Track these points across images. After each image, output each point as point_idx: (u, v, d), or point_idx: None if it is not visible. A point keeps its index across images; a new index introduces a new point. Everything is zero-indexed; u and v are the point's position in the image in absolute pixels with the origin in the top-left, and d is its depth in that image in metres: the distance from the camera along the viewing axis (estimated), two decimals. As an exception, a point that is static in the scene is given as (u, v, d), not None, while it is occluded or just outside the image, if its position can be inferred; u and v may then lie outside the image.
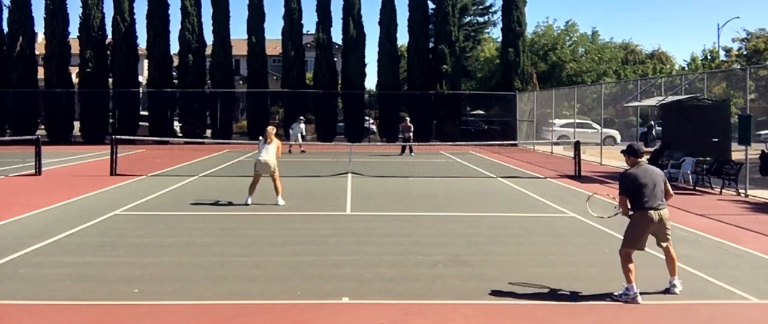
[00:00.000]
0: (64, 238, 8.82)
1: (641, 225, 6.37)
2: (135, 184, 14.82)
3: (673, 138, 17.99)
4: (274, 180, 12.03)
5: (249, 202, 11.85)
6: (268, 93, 34.53)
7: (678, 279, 6.52)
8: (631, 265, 6.29)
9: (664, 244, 6.51)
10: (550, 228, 9.98)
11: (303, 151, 24.69)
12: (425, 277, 6.94)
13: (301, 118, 26.43)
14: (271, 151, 11.97)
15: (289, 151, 24.57)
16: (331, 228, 9.77)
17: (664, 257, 6.65)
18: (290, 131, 25.56)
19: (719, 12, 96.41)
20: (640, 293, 6.21)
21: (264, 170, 11.94)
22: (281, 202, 11.94)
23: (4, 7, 32.43)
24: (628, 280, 6.26)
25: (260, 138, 12.48)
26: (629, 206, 6.39)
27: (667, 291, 6.48)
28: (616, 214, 6.81)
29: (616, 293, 6.39)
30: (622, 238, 6.56)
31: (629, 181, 6.37)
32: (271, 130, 12.37)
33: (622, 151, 6.82)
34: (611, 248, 8.28)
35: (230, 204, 11.95)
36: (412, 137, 25.23)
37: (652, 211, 6.29)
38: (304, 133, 26.01)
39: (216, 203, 12.10)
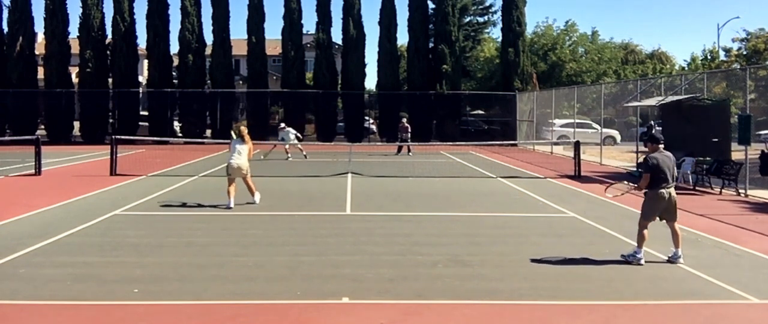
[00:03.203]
0: (64, 238, 8.81)
1: (656, 202, 7.62)
2: (135, 184, 14.82)
3: (673, 138, 17.97)
4: (246, 182, 11.96)
5: (232, 205, 11.43)
6: (268, 93, 34.54)
7: (681, 250, 7.54)
8: (645, 232, 7.58)
9: (672, 224, 7.62)
10: (550, 228, 9.97)
11: (305, 156, 23.69)
12: (425, 277, 6.94)
13: (282, 124, 24.57)
14: (243, 154, 11.77)
15: (288, 158, 23.25)
16: (331, 228, 9.76)
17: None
18: (282, 139, 23.21)
19: (719, 12, 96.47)
20: (642, 293, 6.30)
21: (236, 174, 11.74)
22: (257, 198, 12.00)
23: (4, 7, 32.49)
24: (639, 245, 7.57)
25: (232, 136, 12.27)
26: (647, 184, 7.59)
27: (670, 261, 7.53)
28: (628, 191, 8.20)
29: (625, 253, 7.66)
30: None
31: (654, 164, 7.61)
32: (246, 129, 12.21)
33: (645, 140, 8.05)
34: (611, 248, 8.30)
35: (213, 207, 11.89)
36: (409, 137, 25.14)
37: (663, 191, 7.56)
38: (292, 136, 23.29)
39: (197, 205, 12.06)
